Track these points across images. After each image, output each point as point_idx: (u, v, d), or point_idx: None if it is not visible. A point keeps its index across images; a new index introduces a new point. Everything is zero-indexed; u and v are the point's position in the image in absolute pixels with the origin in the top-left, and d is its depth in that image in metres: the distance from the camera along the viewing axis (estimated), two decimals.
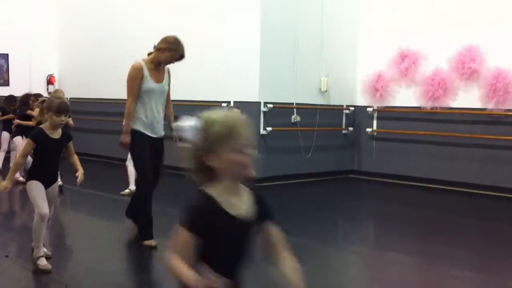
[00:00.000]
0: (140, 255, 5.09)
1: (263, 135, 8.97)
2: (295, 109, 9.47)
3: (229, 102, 9.23)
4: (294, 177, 9.23)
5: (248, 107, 8.88)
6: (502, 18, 8.72)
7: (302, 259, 5.27)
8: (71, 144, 4.52)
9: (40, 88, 11.82)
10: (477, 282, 4.55)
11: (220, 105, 9.20)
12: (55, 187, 4.50)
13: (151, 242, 5.11)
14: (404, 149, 9.87)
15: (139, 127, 5.16)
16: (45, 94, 10.19)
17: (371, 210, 7.96)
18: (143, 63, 5.18)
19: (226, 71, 9.11)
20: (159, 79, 5.23)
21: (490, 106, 8.83)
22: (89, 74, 11.92)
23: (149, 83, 5.15)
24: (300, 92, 9.52)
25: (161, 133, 5.30)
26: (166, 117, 5.45)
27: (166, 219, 6.59)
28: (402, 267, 4.99)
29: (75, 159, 4.54)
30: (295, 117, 9.48)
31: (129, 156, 8.04)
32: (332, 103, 10.13)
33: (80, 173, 4.47)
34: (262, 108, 9.01)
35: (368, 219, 7.36)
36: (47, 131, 4.33)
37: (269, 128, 9.00)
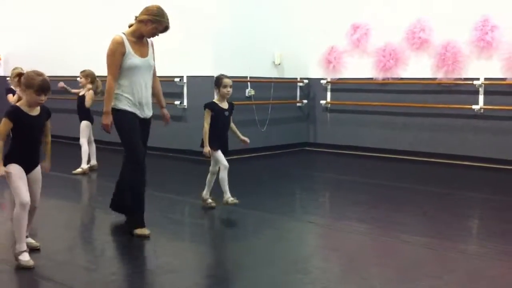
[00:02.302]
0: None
1: None
2: (249, 83, 9.45)
3: (182, 77, 9.13)
4: (250, 151, 9.25)
5: (201, 82, 8.83)
6: None
7: (260, 231, 5.36)
8: (49, 121, 4.17)
9: None
10: (428, 245, 4.68)
11: (173, 80, 9.10)
12: (37, 170, 4.13)
13: (144, 231, 4.72)
14: (358, 120, 10.01)
15: (125, 106, 4.75)
16: None
17: (326, 180, 8.08)
18: (124, 37, 4.75)
19: (178, 46, 8.99)
20: (143, 54, 4.82)
21: (440, 75, 9.02)
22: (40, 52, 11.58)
23: (133, 58, 4.74)
24: (254, 66, 9.50)
25: (149, 113, 4.93)
26: (155, 95, 5.08)
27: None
28: (356, 234, 5.09)
29: (48, 141, 4.20)
30: (249, 91, 9.46)
31: (83, 133, 7.89)
32: (286, 76, 10.16)
33: (46, 164, 4.20)
34: None
35: (323, 190, 7.46)
36: (24, 108, 3.96)
37: None
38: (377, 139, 9.76)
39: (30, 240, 4.31)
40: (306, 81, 10.47)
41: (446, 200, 6.56)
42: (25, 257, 3.95)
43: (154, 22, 4.71)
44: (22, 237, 3.97)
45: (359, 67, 9.83)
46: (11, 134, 4.00)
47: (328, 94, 10.39)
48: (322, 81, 10.32)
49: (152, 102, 4.99)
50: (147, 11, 4.74)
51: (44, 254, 4.29)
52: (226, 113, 5.68)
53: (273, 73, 9.90)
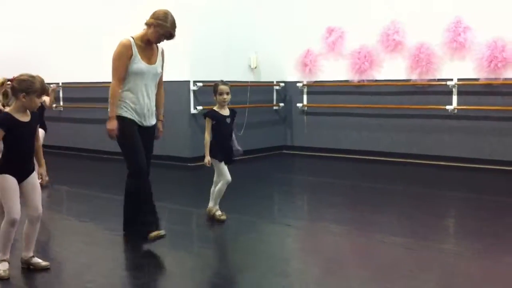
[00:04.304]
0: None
1: (193, 114, 8.92)
2: None
3: None
4: None
5: (177, 86, 8.79)
6: None
7: (238, 234, 5.35)
8: (38, 127, 4.01)
9: None
10: (405, 245, 4.72)
11: None
12: (33, 176, 3.90)
13: (159, 232, 4.55)
14: (335, 122, 10.07)
15: (127, 113, 4.56)
16: None
17: (304, 183, 8.10)
18: (132, 40, 4.57)
19: None
20: (151, 60, 4.65)
21: (414, 76, 9.12)
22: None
23: (139, 63, 4.56)
24: (230, 70, 9.49)
25: (152, 122, 4.75)
26: (156, 104, 4.82)
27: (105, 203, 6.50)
28: (333, 236, 5.12)
29: (39, 146, 4.00)
30: None
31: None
32: (262, 80, 10.17)
33: (43, 170, 4.01)
34: (192, 87, 8.93)
35: (301, 192, 7.48)
36: (16, 115, 3.76)
37: (199, 107, 8.94)
38: (354, 141, 9.82)
39: (36, 260, 4.03)
40: (282, 84, 10.50)
41: (422, 200, 6.62)
42: (4, 266, 3.81)
43: (156, 26, 4.54)
44: (6, 248, 3.82)
45: (335, 70, 9.89)
46: (1, 144, 3.82)
47: (305, 97, 10.43)
48: (298, 84, 10.36)
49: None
50: (153, 14, 4.61)
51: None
52: (228, 120, 5.42)
53: (249, 77, 9.91)
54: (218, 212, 5.48)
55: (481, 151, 8.60)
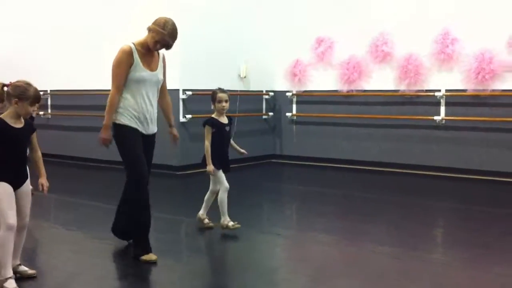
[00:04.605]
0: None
1: (183, 122, 8.90)
2: None
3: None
4: None
5: None
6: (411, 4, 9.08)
7: (227, 243, 5.32)
8: (35, 136, 3.92)
9: None
10: (393, 255, 4.73)
11: None
12: (27, 184, 3.85)
13: (151, 256, 4.40)
14: (323, 132, 10.09)
15: (127, 121, 4.46)
16: None
17: (293, 192, 8.10)
18: (133, 47, 4.46)
19: None
20: (152, 67, 4.53)
21: (402, 87, 9.18)
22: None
23: (140, 70, 4.45)
24: (220, 79, 9.47)
25: (154, 130, 4.64)
26: (164, 112, 4.81)
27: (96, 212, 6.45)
28: (323, 245, 5.12)
29: (39, 157, 3.94)
30: None
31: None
32: (251, 89, 10.19)
33: (44, 180, 3.88)
34: (181, 96, 8.93)
35: (290, 202, 7.48)
36: (9, 121, 3.71)
37: (188, 116, 8.93)
38: (343, 150, 9.85)
39: (23, 268, 4.00)
40: (271, 93, 10.52)
41: (411, 209, 6.65)
42: (11, 285, 3.69)
43: (153, 32, 4.43)
44: (7, 263, 3.70)
45: (324, 80, 9.93)
46: None
47: (294, 107, 10.46)
48: (287, 94, 10.39)
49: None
50: (155, 20, 4.50)
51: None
52: (227, 128, 5.41)
53: (239, 86, 9.92)
54: (206, 221, 5.48)
55: (469, 162, 8.66)
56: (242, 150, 5.58)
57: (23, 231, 3.91)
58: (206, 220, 5.49)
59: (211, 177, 5.41)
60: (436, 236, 5.75)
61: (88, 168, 9.78)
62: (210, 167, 5.26)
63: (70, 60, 10.16)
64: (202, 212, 5.52)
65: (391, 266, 4.47)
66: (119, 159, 4.59)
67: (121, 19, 9.31)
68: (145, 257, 4.40)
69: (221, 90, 5.41)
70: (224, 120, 5.41)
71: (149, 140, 4.64)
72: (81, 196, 7.23)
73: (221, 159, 5.37)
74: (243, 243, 5.17)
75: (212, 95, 5.40)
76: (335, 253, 4.98)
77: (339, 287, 3.97)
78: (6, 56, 10.91)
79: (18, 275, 3.96)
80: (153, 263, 4.38)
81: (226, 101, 5.33)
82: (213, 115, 5.41)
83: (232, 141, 5.58)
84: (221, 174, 5.39)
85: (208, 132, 5.30)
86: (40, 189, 3.91)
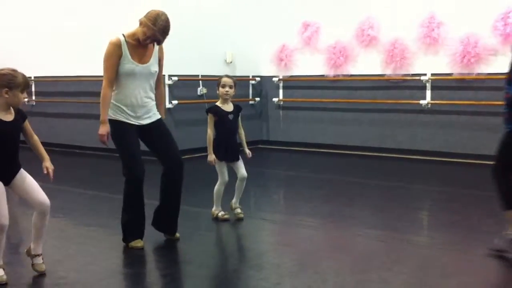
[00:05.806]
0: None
1: (169, 108, 8.86)
2: (201, 81, 9.40)
3: None
4: (203, 151, 9.14)
5: None
6: None
7: (213, 228, 5.32)
8: (27, 123, 3.74)
9: None
10: (379, 238, 4.76)
11: None
12: (21, 173, 3.68)
13: (137, 243, 4.40)
14: (310, 117, 10.10)
15: (119, 116, 4.36)
16: None
17: (280, 177, 8.12)
18: (123, 39, 4.34)
19: None
20: (143, 59, 4.38)
21: (388, 71, 9.20)
22: None
23: (130, 63, 4.31)
24: (206, 64, 9.45)
25: (153, 118, 4.49)
26: (156, 104, 4.57)
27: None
28: (308, 229, 5.14)
29: (36, 141, 3.77)
30: (201, 89, 9.42)
31: None
32: (238, 74, 10.12)
33: (48, 163, 3.71)
34: (167, 81, 8.87)
35: (276, 187, 7.50)
36: None
37: (175, 102, 8.89)
38: (329, 135, 9.87)
39: (39, 261, 3.84)
40: (258, 79, 10.49)
41: (396, 193, 6.69)
42: None
43: (144, 26, 4.30)
44: None
45: (310, 65, 9.92)
46: None
47: (280, 92, 10.45)
48: (274, 79, 10.37)
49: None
50: (147, 13, 4.40)
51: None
52: (231, 116, 5.15)
53: (225, 71, 9.83)
54: (222, 213, 5.33)
55: (454, 145, 8.72)
56: (248, 151, 5.37)
57: (46, 215, 3.75)
58: (238, 210, 5.34)
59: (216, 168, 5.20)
60: (420, 218, 5.79)
61: (72, 155, 9.72)
62: (211, 157, 5.08)
63: (52, 47, 10.04)
64: (234, 201, 5.41)
65: (377, 248, 4.50)
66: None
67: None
68: (133, 244, 4.42)
69: (228, 75, 5.26)
70: (229, 108, 5.18)
71: (154, 128, 4.50)
72: (66, 183, 7.18)
73: (226, 149, 5.14)
74: (229, 228, 5.17)
75: (218, 80, 5.23)
76: (322, 236, 5.01)
77: (326, 270, 3.99)
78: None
79: (31, 264, 3.87)
80: (140, 249, 4.38)
81: (230, 87, 5.11)
82: (217, 102, 5.22)
83: (243, 136, 5.36)
84: (223, 165, 5.19)
85: (210, 120, 5.11)
86: (45, 172, 3.75)
